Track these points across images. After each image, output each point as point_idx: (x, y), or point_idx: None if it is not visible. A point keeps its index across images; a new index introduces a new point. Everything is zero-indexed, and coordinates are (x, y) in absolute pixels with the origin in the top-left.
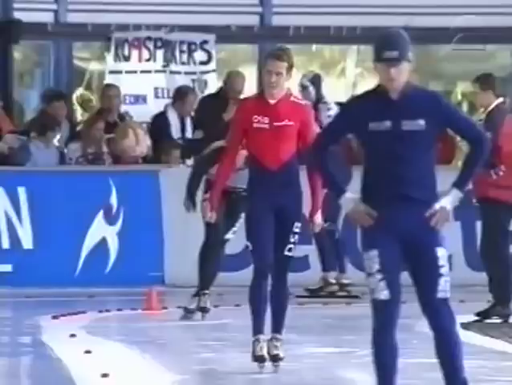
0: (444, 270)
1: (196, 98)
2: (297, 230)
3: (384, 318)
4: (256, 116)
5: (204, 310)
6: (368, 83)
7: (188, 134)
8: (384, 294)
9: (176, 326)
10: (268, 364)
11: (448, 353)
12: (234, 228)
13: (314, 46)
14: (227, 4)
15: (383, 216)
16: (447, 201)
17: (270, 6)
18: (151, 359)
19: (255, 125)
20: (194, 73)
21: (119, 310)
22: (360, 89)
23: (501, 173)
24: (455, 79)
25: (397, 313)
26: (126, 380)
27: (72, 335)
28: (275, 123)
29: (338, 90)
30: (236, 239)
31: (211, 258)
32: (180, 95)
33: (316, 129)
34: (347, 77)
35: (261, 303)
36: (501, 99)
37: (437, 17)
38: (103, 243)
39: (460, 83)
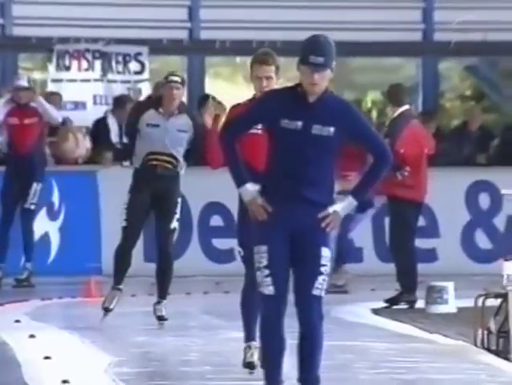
0: (324, 269)
1: (127, 102)
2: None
3: (270, 312)
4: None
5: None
6: None
7: (125, 138)
8: (268, 290)
9: (114, 313)
10: (258, 371)
11: (310, 347)
12: (177, 216)
13: (238, 58)
14: (159, 19)
15: (278, 212)
16: (340, 207)
17: (198, 22)
18: (89, 343)
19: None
20: (129, 82)
21: (60, 297)
22: None
23: (406, 174)
24: (366, 88)
25: (284, 307)
26: (67, 362)
27: (17, 321)
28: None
29: None
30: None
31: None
32: (119, 104)
33: None
34: None
35: (252, 312)
36: (406, 106)
37: (352, 32)
38: (45, 237)
39: (370, 92)
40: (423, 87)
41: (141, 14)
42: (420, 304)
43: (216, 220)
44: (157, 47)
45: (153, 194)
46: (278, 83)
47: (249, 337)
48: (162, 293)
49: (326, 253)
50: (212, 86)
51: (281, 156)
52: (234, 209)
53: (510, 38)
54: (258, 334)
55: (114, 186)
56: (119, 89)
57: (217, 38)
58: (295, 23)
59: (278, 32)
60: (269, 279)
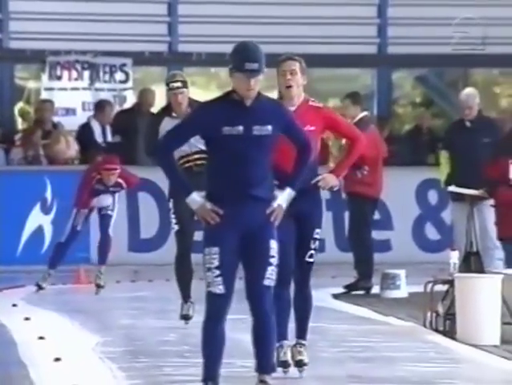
0: (273, 260)
1: (112, 108)
2: (317, 236)
3: (216, 310)
4: None
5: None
6: None
7: (109, 138)
8: (219, 289)
9: (101, 298)
10: (293, 369)
11: (265, 336)
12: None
13: (212, 69)
14: (142, 34)
15: (228, 214)
16: (283, 199)
17: (177, 36)
18: (79, 325)
19: None
20: (115, 90)
21: (53, 284)
22: None
23: (365, 173)
24: (327, 96)
25: (229, 305)
26: (59, 342)
27: (14, 305)
28: None
29: None
30: (148, 224)
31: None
32: (99, 108)
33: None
34: None
35: (284, 310)
36: (365, 113)
37: (315, 46)
38: (39, 229)
39: (331, 100)
40: (378, 95)
41: (126, 29)
42: (375, 290)
43: None
44: (140, 59)
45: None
46: (301, 86)
47: (281, 336)
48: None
49: (274, 245)
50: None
51: (226, 161)
52: None
53: (455, 52)
54: (288, 331)
55: None
56: (105, 96)
57: (193, 50)
58: (265, 37)
59: None
60: (219, 279)
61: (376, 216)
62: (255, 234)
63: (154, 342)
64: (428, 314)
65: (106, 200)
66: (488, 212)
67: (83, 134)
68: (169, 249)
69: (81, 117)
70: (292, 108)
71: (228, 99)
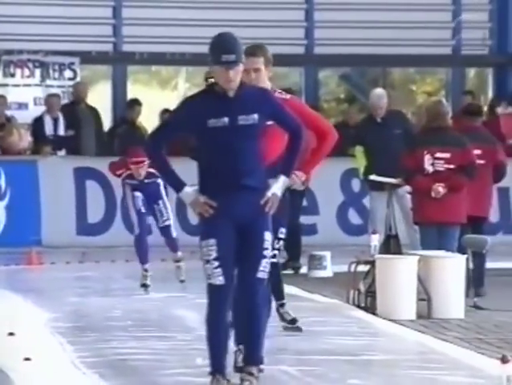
0: (267, 252)
1: (59, 101)
2: (282, 236)
3: (219, 301)
4: None
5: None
6: None
7: (61, 132)
8: (219, 280)
9: (51, 278)
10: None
11: (256, 329)
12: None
13: (153, 67)
14: (88, 35)
15: (221, 205)
16: (277, 188)
17: (121, 37)
18: (31, 303)
19: None
20: (64, 86)
21: (6, 265)
22: None
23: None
24: None
25: (230, 296)
26: (12, 317)
27: None
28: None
29: (171, 100)
30: (95, 209)
31: None
32: (48, 102)
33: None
34: (179, 90)
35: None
36: None
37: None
38: None
39: None
40: (305, 92)
41: (74, 31)
42: (303, 270)
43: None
44: (87, 58)
45: None
46: (269, 77)
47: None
48: None
49: (268, 237)
50: (132, 90)
51: (215, 152)
52: None
53: (376, 52)
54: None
55: (51, 172)
56: (55, 92)
57: (136, 50)
58: (202, 39)
59: (187, 46)
60: (219, 270)
61: (304, 202)
62: (250, 225)
63: (100, 318)
64: (351, 292)
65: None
66: (407, 199)
67: (36, 127)
68: (114, 232)
69: (33, 111)
70: None
71: (211, 92)
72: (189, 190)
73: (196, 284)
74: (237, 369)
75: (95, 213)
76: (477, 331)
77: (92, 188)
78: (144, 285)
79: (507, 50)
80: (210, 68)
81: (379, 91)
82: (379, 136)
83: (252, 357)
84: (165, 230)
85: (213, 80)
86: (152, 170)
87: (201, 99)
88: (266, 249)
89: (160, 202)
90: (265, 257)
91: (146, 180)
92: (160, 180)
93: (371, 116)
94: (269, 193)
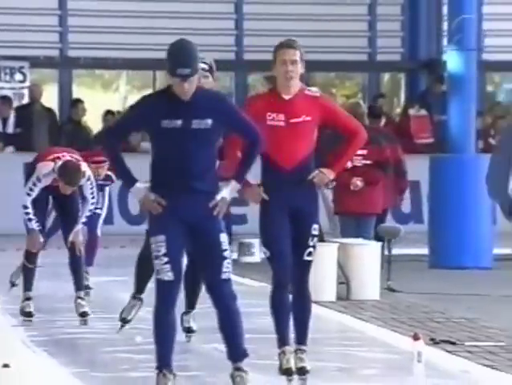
0: (226, 254)
1: (10, 102)
2: (315, 232)
3: (167, 297)
4: (270, 113)
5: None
6: (135, 96)
7: (10, 130)
8: (168, 276)
9: (2, 264)
10: (295, 377)
11: (231, 328)
12: None
13: (96, 71)
14: (37, 41)
15: (171, 205)
16: (227, 192)
17: (67, 43)
18: None
19: (269, 122)
20: (15, 88)
21: None
22: (130, 100)
23: None
24: None
25: (178, 292)
26: None
27: None
28: (292, 120)
29: (113, 101)
30: None
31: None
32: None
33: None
34: (120, 92)
35: (284, 314)
36: None
37: None
38: None
39: None
40: (235, 95)
41: (24, 37)
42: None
43: None
44: (36, 62)
45: None
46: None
47: (283, 342)
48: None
49: (224, 239)
50: (77, 92)
51: (166, 153)
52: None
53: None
54: (291, 336)
55: (2, 167)
56: (6, 93)
57: (81, 55)
58: (140, 45)
59: (128, 52)
60: (168, 266)
61: (235, 194)
62: (202, 228)
63: (47, 301)
64: None
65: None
66: (328, 191)
67: None
68: None
69: None
70: (287, 97)
71: (167, 94)
72: (140, 187)
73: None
74: (184, 329)
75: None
76: (391, 311)
77: None
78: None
79: (418, 56)
80: (169, 77)
81: None
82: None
83: (235, 353)
84: (93, 234)
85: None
86: (110, 172)
87: (158, 99)
88: (225, 250)
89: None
90: (225, 258)
91: (100, 182)
92: (108, 187)
93: None
94: (218, 197)
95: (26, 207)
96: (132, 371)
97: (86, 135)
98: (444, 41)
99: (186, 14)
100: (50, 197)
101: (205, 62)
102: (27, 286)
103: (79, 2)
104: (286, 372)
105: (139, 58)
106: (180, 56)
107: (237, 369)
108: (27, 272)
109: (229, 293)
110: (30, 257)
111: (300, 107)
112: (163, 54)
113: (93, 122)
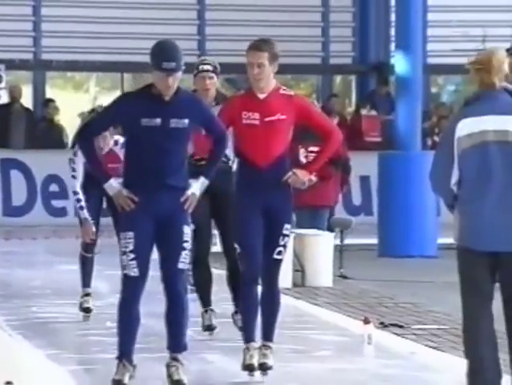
0: (186, 245)
1: None
2: (286, 232)
3: (132, 292)
4: (246, 112)
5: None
6: (105, 97)
7: None
8: (134, 271)
9: None
10: (257, 372)
11: (178, 316)
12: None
13: (68, 73)
14: (12, 45)
15: (143, 201)
16: (196, 188)
17: (40, 47)
18: None
19: (245, 121)
20: None
21: None
22: (99, 101)
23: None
24: None
25: (143, 288)
26: None
27: None
28: (266, 119)
29: (83, 102)
30: (18, 194)
31: None
32: None
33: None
34: (90, 93)
35: (252, 310)
36: None
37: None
38: None
39: None
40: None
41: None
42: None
43: (53, 187)
44: (11, 65)
45: (209, 192)
46: (273, 73)
47: (248, 338)
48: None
49: (187, 231)
50: (50, 92)
51: (143, 150)
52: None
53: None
54: (257, 334)
55: None
56: None
57: (53, 58)
58: (109, 49)
59: (97, 55)
60: (134, 262)
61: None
62: (169, 220)
63: (22, 287)
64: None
65: None
66: None
67: None
68: (35, 214)
69: None
70: (262, 96)
71: (148, 93)
72: (114, 182)
73: (106, 258)
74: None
75: (19, 198)
76: (343, 297)
77: (16, 177)
78: None
79: (368, 60)
80: (150, 72)
81: None
82: None
83: (176, 345)
84: None
85: (206, 67)
86: None
87: (138, 97)
88: (186, 241)
89: None
90: (184, 248)
91: None
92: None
93: None
94: (189, 192)
95: (75, 193)
96: (102, 353)
97: (59, 132)
98: (392, 46)
99: (151, 20)
100: (104, 199)
101: (209, 64)
102: (86, 282)
103: (52, 8)
104: (247, 368)
105: (107, 61)
106: (165, 51)
107: (175, 359)
108: (85, 262)
109: (182, 283)
110: (87, 247)
111: (275, 106)
112: (130, 58)
113: (65, 121)
